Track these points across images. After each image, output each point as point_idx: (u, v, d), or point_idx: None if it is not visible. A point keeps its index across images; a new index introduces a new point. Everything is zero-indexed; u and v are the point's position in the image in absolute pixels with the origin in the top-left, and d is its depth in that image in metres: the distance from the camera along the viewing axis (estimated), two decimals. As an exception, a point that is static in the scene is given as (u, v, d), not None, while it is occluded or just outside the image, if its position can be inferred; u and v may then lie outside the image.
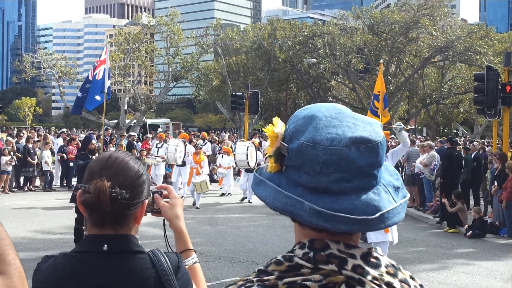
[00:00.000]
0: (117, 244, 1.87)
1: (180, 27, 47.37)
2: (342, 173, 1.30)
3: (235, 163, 19.96)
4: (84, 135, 27.06)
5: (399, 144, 9.63)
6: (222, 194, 21.35)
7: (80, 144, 21.31)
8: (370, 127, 1.37)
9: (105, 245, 1.85)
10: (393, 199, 1.37)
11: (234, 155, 20.41)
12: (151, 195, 2.10)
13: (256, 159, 19.35)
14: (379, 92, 15.02)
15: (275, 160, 1.40)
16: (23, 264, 1.62)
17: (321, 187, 1.31)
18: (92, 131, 48.04)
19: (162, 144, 22.18)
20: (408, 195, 1.43)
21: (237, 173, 23.04)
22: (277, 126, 1.44)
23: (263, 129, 1.88)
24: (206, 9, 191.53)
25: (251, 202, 19.14)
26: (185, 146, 19.14)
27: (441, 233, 15.17)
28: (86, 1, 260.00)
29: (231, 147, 22.95)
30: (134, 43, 45.44)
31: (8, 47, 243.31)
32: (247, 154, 18.66)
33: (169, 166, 22.22)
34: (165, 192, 2.19)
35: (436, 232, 15.28)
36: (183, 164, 18.79)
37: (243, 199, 19.83)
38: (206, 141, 24.16)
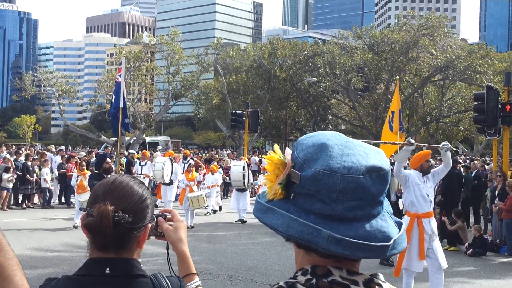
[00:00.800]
0: (120, 268, 1.86)
1: (181, 46, 47.60)
2: (357, 201, 1.32)
3: (230, 183, 19.71)
4: (83, 153, 27.07)
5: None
6: (214, 212, 20.97)
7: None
8: (379, 155, 1.40)
9: (108, 269, 1.84)
10: (395, 224, 1.42)
11: (229, 174, 20.24)
12: (155, 219, 2.10)
13: (248, 178, 19.12)
14: (394, 110, 15.13)
15: (283, 187, 1.38)
16: None
17: (335, 215, 1.32)
18: (91, 149, 48.03)
19: (146, 162, 22.07)
20: (403, 222, 1.46)
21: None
22: (285, 153, 1.44)
23: (263, 156, 1.85)
24: (207, 28, 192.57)
25: (245, 222, 18.39)
26: (172, 164, 18.82)
27: (441, 251, 15.08)
28: (88, 20, 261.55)
29: (219, 165, 22.87)
30: (134, 62, 45.66)
31: (9, 65, 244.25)
32: (243, 174, 18.41)
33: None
34: (169, 216, 2.19)
35: (436, 251, 15.17)
36: (170, 182, 18.40)
37: (242, 221, 18.57)
38: (188, 159, 23.39)
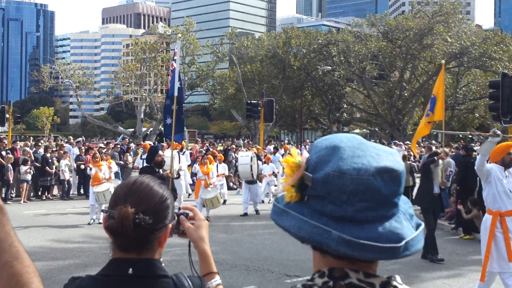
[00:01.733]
0: (142, 268, 1.89)
1: (196, 36, 47.70)
2: (367, 202, 1.32)
3: (238, 175, 18.67)
4: (102, 144, 27.26)
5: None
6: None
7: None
8: (392, 156, 1.40)
9: (130, 269, 1.88)
10: (412, 226, 1.41)
11: (236, 166, 19.30)
12: (176, 218, 2.11)
13: (257, 169, 18.28)
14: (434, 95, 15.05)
15: (296, 190, 1.41)
16: (41, 274, 1.68)
17: (347, 216, 1.33)
18: (108, 140, 48.36)
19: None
20: (423, 224, 1.45)
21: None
22: (300, 156, 1.46)
23: (280, 160, 1.92)
24: (221, 18, 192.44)
25: (258, 213, 18.05)
26: (179, 157, 18.00)
27: (456, 239, 15.12)
28: (103, 12, 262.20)
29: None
30: (150, 53, 45.86)
31: (26, 57, 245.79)
32: (251, 166, 17.59)
33: None
34: (190, 214, 2.22)
35: (451, 239, 15.22)
36: (178, 176, 17.33)
37: (244, 214, 17.86)
38: (184, 149, 22.31)
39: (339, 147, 1.39)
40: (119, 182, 16.64)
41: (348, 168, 1.33)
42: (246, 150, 23.41)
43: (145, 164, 11.68)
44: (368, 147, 1.41)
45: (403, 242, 1.33)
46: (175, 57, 12.98)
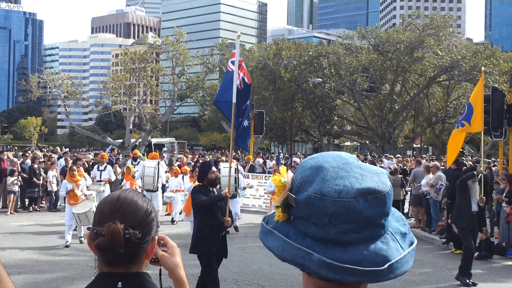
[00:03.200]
0: (131, 282, 1.89)
1: (186, 47, 47.65)
2: (350, 224, 1.30)
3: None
4: (90, 155, 26.96)
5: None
6: (173, 221, 18.57)
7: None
8: (377, 177, 1.36)
9: (119, 283, 1.87)
10: (401, 247, 1.37)
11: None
12: None
13: (238, 183, 16.44)
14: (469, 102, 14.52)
15: (282, 210, 1.40)
16: (27, 287, 1.59)
17: (329, 239, 1.31)
18: (96, 150, 48.09)
19: (106, 166, 18.43)
20: (416, 241, 1.43)
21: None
22: (284, 176, 1.44)
23: (270, 178, 1.87)
24: (212, 28, 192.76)
25: (238, 230, 17.32)
26: (158, 168, 16.98)
27: (447, 254, 15.06)
28: (93, 21, 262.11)
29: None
30: (140, 63, 45.71)
31: (14, 66, 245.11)
32: (235, 177, 16.05)
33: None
34: (161, 241, 2.16)
35: (442, 253, 15.16)
36: (156, 189, 16.60)
37: (236, 228, 17.26)
38: (139, 160, 20.99)
39: (323, 167, 1.37)
40: (94, 197, 15.68)
41: (329, 190, 1.31)
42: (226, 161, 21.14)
43: (196, 183, 9.68)
44: (353, 167, 1.38)
45: (386, 265, 1.30)
46: (232, 59, 10.87)
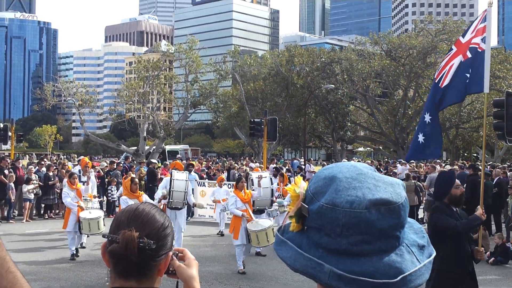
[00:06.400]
0: None
1: (199, 54, 47.86)
2: (362, 236, 1.29)
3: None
4: (105, 163, 27.08)
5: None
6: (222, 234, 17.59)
7: (101, 172, 20.95)
8: (391, 188, 1.35)
9: None
10: (417, 259, 1.35)
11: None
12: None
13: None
14: None
15: (296, 220, 1.40)
16: None
17: (342, 249, 1.30)
18: (112, 158, 48.33)
19: (89, 178, 16.06)
20: (434, 253, 1.41)
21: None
22: (299, 186, 1.45)
23: (286, 188, 1.87)
24: (224, 36, 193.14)
25: (222, 235, 17.16)
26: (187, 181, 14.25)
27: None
28: (106, 30, 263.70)
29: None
30: (153, 71, 45.96)
31: (29, 75, 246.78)
32: (271, 189, 15.43)
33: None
34: (180, 254, 2.18)
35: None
36: (183, 206, 13.94)
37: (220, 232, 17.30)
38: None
39: (336, 178, 1.36)
40: (97, 205, 15.08)
41: (341, 201, 1.31)
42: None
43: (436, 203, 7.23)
44: (367, 177, 1.37)
45: (399, 278, 1.28)
46: (481, 36, 8.34)
